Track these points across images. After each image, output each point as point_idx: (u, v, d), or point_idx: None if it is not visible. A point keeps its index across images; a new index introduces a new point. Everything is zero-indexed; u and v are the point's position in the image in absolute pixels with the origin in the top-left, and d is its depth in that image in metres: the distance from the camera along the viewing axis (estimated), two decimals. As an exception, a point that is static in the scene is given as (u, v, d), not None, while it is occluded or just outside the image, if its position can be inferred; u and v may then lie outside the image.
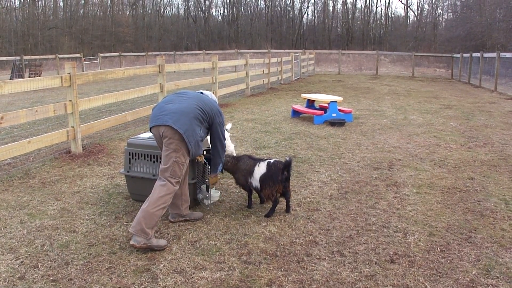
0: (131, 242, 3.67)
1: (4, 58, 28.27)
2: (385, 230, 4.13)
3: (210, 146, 4.42)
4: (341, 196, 5.05)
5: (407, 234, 4.03)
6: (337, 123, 9.41)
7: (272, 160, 4.47)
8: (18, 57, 25.79)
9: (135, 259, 3.55)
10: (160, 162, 4.54)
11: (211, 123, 4.19)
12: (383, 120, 10.21)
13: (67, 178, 5.74)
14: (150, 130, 4.13)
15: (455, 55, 27.16)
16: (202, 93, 4.42)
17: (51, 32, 46.58)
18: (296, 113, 10.65)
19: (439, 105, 13.12)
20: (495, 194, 5.15)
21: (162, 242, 3.81)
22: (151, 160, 4.61)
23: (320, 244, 3.82)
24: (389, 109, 11.97)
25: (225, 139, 4.35)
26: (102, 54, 33.47)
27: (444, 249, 3.75)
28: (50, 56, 30.18)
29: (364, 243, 3.85)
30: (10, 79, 19.89)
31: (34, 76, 21.62)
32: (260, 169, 4.41)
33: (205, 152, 4.80)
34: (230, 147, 5.75)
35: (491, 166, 6.33)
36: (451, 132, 8.84)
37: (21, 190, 5.25)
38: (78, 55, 32.04)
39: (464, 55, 24.14)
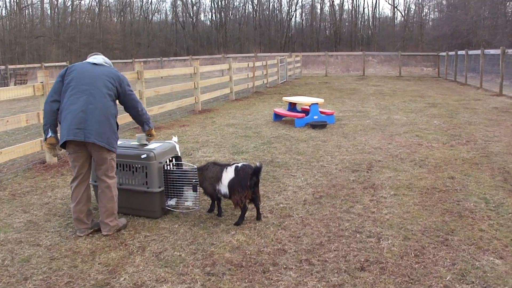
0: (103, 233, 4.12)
1: (-11, 68, 28.00)
2: (358, 235, 3.99)
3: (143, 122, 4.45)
4: (316, 201, 4.90)
5: (381, 239, 3.89)
6: (319, 126, 9.27)
7: (239, 164, 4.30)
8: (3, 67, 25.59)
9: (95, 272, 3.40)
10: (133, 172, 4.40)
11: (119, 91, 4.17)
12: (366, 120, 10.09)
13: (38, 189, 5.58)
14: (64, 144, 3.96)
15: (441, 54, 27.17)
16: (95, 63, 4.14)
17: (39, 40, 46.21)
18: (278, 117, 10.50)
19: (424, 103, 13.05)
20: (475, 193, 5.04)
21: (123, 220, 4.31)
22: (123, 170, 4.45)
23: (289, 253, 3.67)
24: (373, 110, 11.87)
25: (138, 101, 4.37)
26: (89, 62, 33.14)
27: (418, 253, 3.62)
28: (36, 65, 29.85)
29: (334, 250, 3.70)
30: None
31: (21, 85, 21.38)
32: (228, 175, 4.25)
33: (174, 160, 4.67)
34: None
35: (473, 164, 6.23)
36: (434, 130, 8.75)
37: (-12, 203, 5.07)
38: (64, 63, 31.78)
39: (450, 53, 24.16)
